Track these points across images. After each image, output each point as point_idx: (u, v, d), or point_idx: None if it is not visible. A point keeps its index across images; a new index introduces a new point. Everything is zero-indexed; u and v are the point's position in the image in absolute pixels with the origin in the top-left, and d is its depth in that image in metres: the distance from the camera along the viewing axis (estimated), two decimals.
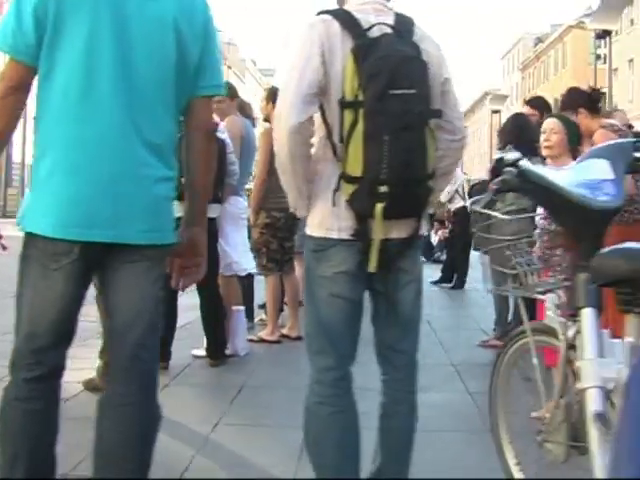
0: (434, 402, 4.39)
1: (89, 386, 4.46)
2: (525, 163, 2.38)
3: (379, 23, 2.64)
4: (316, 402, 2.73)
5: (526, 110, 6.22)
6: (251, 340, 6.29)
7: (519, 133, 5.79)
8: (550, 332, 2.68)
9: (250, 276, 6.71)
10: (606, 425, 2.08)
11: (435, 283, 11.42)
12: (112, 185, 2.31)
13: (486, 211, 2.80)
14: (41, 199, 2.34)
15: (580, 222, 2.40)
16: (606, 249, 2.27)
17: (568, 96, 5.00)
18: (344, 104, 2.56)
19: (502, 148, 5.80)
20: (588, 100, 4.86)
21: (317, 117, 2.67)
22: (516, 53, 73.15)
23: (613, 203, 2.36)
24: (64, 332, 2.41)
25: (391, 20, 2.69)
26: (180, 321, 5.66)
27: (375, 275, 2.67)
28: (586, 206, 2.33)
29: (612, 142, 2.71)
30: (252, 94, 54.57)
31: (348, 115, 2.55)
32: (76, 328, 2.46)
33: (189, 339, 6.00)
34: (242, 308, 5.99)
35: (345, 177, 2.58)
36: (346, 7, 2.76)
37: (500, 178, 2.36)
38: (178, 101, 2.47)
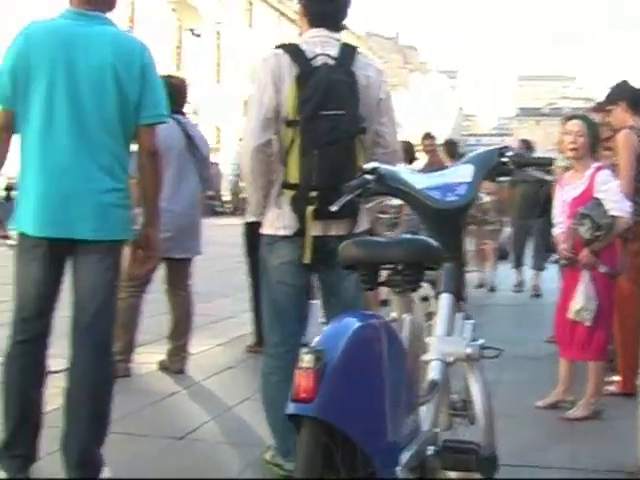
0: None
1: (162, 366, 5.28)
2: (384, 168, 2.77)
3: (322, 54, 3.20)
4: (267, 372, 3.35)
5: None
6: None
7: None
8: None
9: None
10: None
11: None
12: (67, 195, 3.06)
13: None
14: (22, 207, 3.13)
15: (430, 219, 2.75)
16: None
17: (617, 87, 5.08)
18: (287, 123, 3.14)
19: None
20: (632, 95, 4.94)
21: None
22: None
23: (458, 203, 2.69)
24: (44, 306, 3.16)
25: (335, 51, 3.24)
26: None
27: (319, 267, 3.24)
28: (430, 205, 2.68)
29: (482, 150, 2.99)
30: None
31: (289, 132, 3.15)
32: (55, 304, 3.19)
33: None
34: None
35: (286, 184, 3.17)
36: (299, 39, 3.32)
37: (355, 182, 2.75)
38: (124, 129, 3.16)
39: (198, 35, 38.84)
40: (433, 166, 8.25)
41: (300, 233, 3.18)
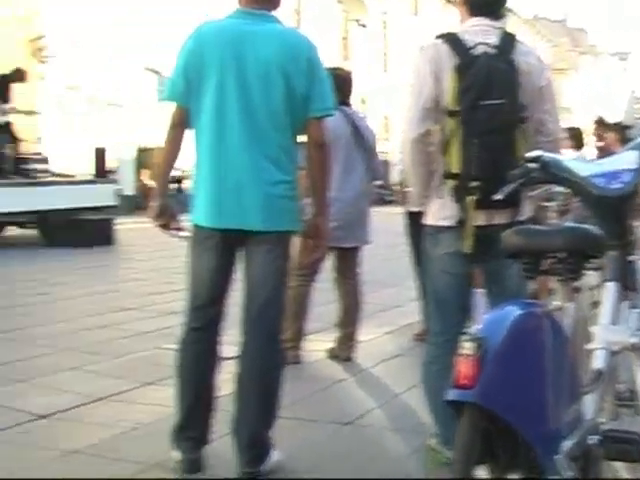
0: None
1: (331, 353, 5.41)
2: (547, 156, 2.75)
3: (482, 43, 3.21)
4: (428, 361, 3.41)
5: None
6: None
7: None
8: None
9: None
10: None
11: None
12: (238, 187, 3.22)
13: None
14: (196, 200, 3.32)
15: (594, 206, 2.72)
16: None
17: None
18: (448, 113, 3.19)
19: None
20: None
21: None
22: None
23: (622, 190, 2.64)
24: (217, 295, 3.34)
25: (495, 39, 3.25)
26: None
27: (482, 256, 3.26)
28: (594, 193, 2.65)
29: None
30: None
31: (450, 122, 3.19)
32: (227, 292, 3.36)
33: None
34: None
35: (447, 174, 3.22)
36: (459, 28, 3.35)
37: (519, 171, 2.74)
38: (292, 122, 3.28)
39: (364, 25, 39.04)
40: (604, 152, 8.01)
41: (462, 223, 3.20)
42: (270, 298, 3.30)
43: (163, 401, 4.18)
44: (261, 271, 3.29)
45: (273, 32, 3.27)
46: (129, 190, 27.59)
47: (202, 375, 3.35)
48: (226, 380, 3.45)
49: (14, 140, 13.87)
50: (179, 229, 3.45)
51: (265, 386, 3.30)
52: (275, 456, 3.33)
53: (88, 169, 16.77)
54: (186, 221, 3.39)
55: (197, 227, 3.31)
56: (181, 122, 3.33)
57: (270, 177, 3.23)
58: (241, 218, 3.22)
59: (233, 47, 3.20)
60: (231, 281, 3.37)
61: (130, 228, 15.71)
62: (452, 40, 3.23)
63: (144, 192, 29.99)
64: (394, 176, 7.95)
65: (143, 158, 31.31)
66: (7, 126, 13.58)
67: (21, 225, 14.84)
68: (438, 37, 3.31)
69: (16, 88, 13.94)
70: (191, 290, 3.36)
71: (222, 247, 3.28)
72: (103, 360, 5.22)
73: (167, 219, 3.40)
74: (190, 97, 3.27)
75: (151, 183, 20.73)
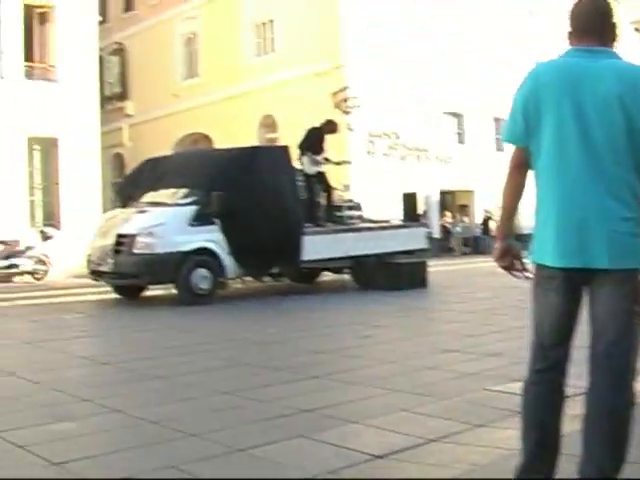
0: None
1: None
2: None
3: None
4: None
5: None
6: None
7: None
8: None
9: None
10: None
11: None
12: (582, 225, 3.12)
13: None
14: (538, 239, 3.27)
15: None
16: None
17: None
18: None
19: None
20: None
21: None
22: None
23: None
24: (562, 335, 3.24)
25: None
26: None
27: None
28: None
29: None
30: None
31: None
32: (573, 332, 3.25)
33: None
34: None
35: None
36: None
37: None
38: (634, 157, 3.13)
39: None
40: None
41: None
42: (618, 336, 3.14)
43: (498, 443, 4.12)
44: (608, 309, 3.15)
45: (611, 66, 3.16)
46: (436, 233, 28.15)
47: (547, 416, 3.25)
48: (571, 419, 3.35)
49: (327, 189, 14.65)
50: (523, 270, 3.41)
51: (613, 426, 3.12)
52: None
53: (395, 213, 17.24)
54: (527, 261, 3.35)
55: (540, 267, 3.24)
56: (522, 163, 3.31)
57: (615, 214, 3.10)
58: (586, 257, 3.12)
59: (570, 84, 3.14)
60: (577, 321, 3.26)
61: (438, 270, 15.87)
62: None
63: (444, 234, 30.56)
64: None
65: (445, 201, 31.89)
66: (320, 176, 14.38)
67: (336, 270, 15.56)
68: None
69: (328, 139, 14.76)
70: (536, 331, 3.30)
71: (566, 286, 3.19)
72: (432, 401, 5.23)
73: (511, 260, 3.39)
74: (529, 137, 3.25)
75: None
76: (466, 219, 32.05)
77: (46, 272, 20.10)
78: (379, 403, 5.24)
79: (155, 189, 13.55)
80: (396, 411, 5.01)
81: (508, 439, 4.08)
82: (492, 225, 28.83)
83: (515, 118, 3.29)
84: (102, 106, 25.24)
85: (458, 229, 31.11)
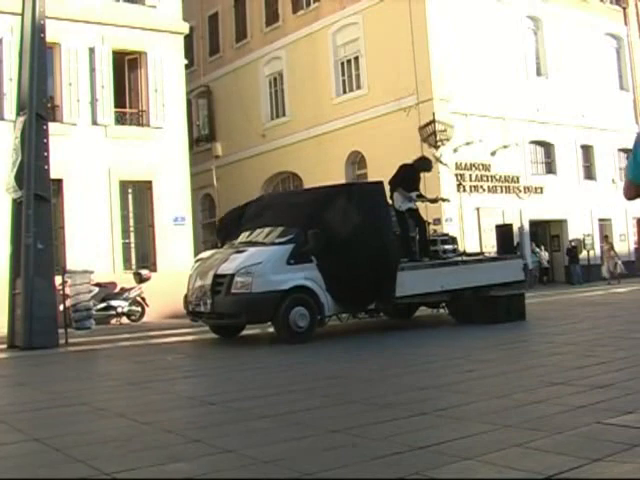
0: None
1: None
2: None
3: None
4: None
5: None
6: None
7: None
8: None
9: None
10: None
11: None
12: None
13: None
14: None
15: None
16: None
17: None
18: None
19: None
20: None
21: None
22: None
23: None
24: None
25: None
26: None
27: None
28: None
29: None
30: None
31: None
32: None
33: None
34: None
35: None
36: None
37: None
38: None
39: None
40: None
41: None
42: None
43: (617, 477, 4.06)
44: None
45: None
46: (530, 264, 27.72)
47: None
48: None
49: (420, 223, 14.63)
50: None
51: None
52: None
53: (488, 246, 17.10)
54: None
55: None
56: (635, 196, 3.43)
57: None
58: None
59: None
60: None
61: (534, 302, 15.61)
62: None
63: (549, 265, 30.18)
64: None
65: (536, 232, 31.44)
66: (413, 212, 14.38)
67: (432, 305, 15.47)
68: None
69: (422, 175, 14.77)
70: None
71: None
72: (544, 436, 5.15)
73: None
74: None
75: None
76: (540, 249, 31.28)
77: (142, 313, 20.59)
78: (491, 439, 5.18)
79: (251, 229, 13.78)
80: (509, 447, 4.94)
81: (627, 473, 4.03)
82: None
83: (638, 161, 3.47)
84: (191, 148, 25.84)
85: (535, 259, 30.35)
